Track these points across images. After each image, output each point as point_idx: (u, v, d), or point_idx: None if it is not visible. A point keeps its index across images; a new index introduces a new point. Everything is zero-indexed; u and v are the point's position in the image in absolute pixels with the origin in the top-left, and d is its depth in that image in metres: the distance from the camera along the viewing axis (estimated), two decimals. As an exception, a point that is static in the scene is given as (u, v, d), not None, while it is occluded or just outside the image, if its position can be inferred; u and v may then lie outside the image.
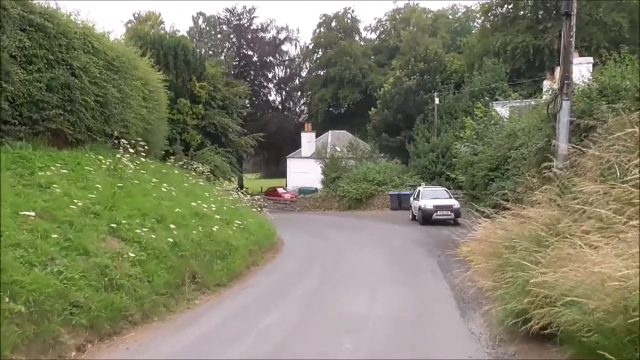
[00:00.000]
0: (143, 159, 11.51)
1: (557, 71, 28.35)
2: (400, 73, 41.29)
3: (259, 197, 39.81)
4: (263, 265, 11.69)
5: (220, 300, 8.07)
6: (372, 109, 43.86)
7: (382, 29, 65.72)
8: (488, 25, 42.15)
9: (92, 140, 11.41)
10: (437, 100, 36.76)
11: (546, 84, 26.66)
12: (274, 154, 59.39)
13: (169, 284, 7.36)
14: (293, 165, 47.47)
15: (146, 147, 13.38)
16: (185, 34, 58.67)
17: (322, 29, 61.35)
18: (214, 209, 10.67)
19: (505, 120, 15.44)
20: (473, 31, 52.68)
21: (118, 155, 9.97)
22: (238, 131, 27.61)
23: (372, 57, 59.92)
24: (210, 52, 59.22)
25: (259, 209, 18.63)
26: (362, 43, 62.71)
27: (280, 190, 44.44)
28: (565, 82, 8.49)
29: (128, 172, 9.66)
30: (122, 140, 10.98)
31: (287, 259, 13.00)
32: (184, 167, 17.34)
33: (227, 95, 27.20)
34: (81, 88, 10.64)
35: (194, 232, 8.85)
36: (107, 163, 9.33)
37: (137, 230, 7.34)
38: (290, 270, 11.10)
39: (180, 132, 23.62)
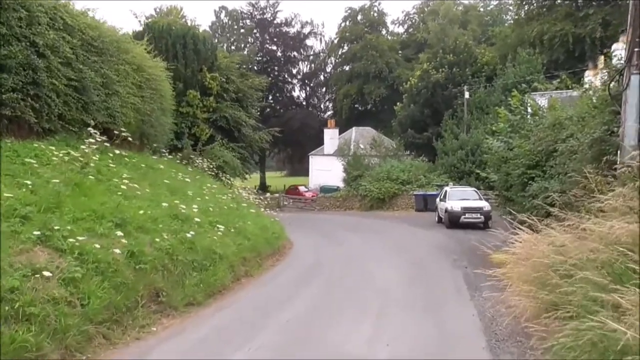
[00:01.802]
0: (118, 151, 10.01)
1: (601, 60, 25.81)
2: (428, 66, 39.00)
3: (277, 195, 38.69)
4: (258, 275, 10.05)
5: (186, 325, 6.45)
6: (398, 103, 41.77)
7: (410, 23, 63.40)
8: (523, 14, 39.50)
9: (65, 130, 9.99)
10: (467, 95, 34.51)
11: (588, 75, 24.33)
12: (298, 151, 58.02)
13: (116, 307, 5.79)
14: (315, 162, 46.02)
15: (131, 139, 12.02)
16: (208, 29, 57.83)
17: (347, 23, 59.47)
18: (195, 210, 9.07)
19: (545, 110, 13.34)
20: (506, 24, 49.71)
21: (83, 147, 8.47)
22: (252, 125, 26.03)
23: (400, 51, 57.67)
24: (233, 47, 58.14)
25: (266, 209, 17.09)
26: (389, 37, 60.50)
27: (301, 188, 43.12)
28: (635, 50, 6.50)
29: (90, 166, 8.16)
30: (90, 129, 9.50)
31: (289, 268, 11.33)
32: (185, 162, 15.93)
33: (242, 88, 25.65)
34: (49, 69, 9.22)
35: (158, 239, 7.24)
36: (60, 155, 7.84)
37: (72, 239, 5.74)
38: (287, 284, 9.42)
39: (190, 126, 22.21)
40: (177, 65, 21.50)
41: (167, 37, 21.96)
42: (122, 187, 8.05)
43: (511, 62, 33.36)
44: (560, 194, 7.56)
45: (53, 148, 8.14)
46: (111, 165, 9.01)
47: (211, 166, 17.27)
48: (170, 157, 13.89)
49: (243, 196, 15.78)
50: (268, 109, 59.62)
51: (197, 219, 8.75)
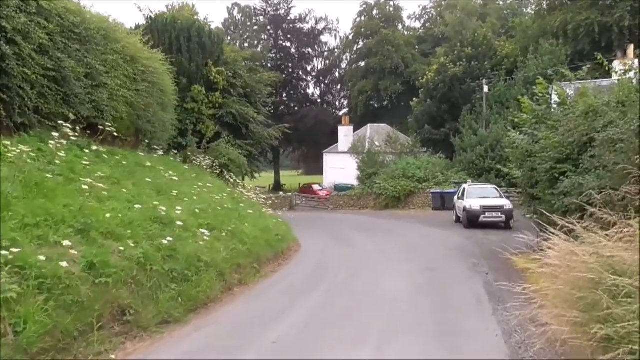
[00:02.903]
0: (96, 147, 9.11)
1: (631, 49, 24.12)
2: (446, 59, 37.55)
3: (290, 194, 37.76)
4: (254, 284, 9.05)
5: (154, 350, 5.47)
6: (414, 99, 40.44)
7: (427, 17, 61.85)
8: (545, 5, 37.77)
9: (43, 125, 9.12)
10: (486, 89, 33.03)
11: (616, 65, 22.71)
12: (313, 149, 56.91)
13: (65, 331, 4.83)
14: (330, 160, 44.97)
15: (123, 135, 11.20)
16: (221, 26, 57.16)
17: (362, 18, 58.25)
18: (179, 211, 8.08)
19: (573, 99, 12.02)
20: (526, 17, 47.88)
21: (52, 143, 7.55)
22: (262, 122, 25.09)
23: (416, 46, 56.18)
24: (246, 44, 57.38)
25: (274, 209, 16.11)
26: (405, 32, 59.03)
27: (315, 187, 42.25)
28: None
29: (55, 164, 7.24)
30: (60, 122, 8.60)
31: (290, 275, 10.31)
32: (184, 160, 15.05)
33: (250, 83, 24.71)
34: (20, 57, 8.35)
35: (128, 246, 6.25)
36: (17, 151, 6.91)
37: (9, 250, 4.78)
38: (284, 295, 8.38)
39: (195, 123, 21.35)
40: (182, 60, 20.71)
41: (171, 30, 21.16)
42: (97, 186, 7.08)
43: (533, 54, 31.77)
44: (600, 191, 6.38)
45: (9, 143, 7.22)
46: (85, 162, 8.07)
47: (213, 164, 16.36)
48: (161, 154, 12.96)
49: (245, 195, 14.78)
50: (282, 107, 58.74)
51: (179, 222, 7.75)
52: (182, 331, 6.14)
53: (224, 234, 9.07)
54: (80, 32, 10.07)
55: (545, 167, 9.86)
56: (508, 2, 57.43)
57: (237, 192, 14.59)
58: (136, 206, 7.29)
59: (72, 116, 9.27)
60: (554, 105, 12.87)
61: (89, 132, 10.06)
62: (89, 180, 6.95)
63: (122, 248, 6.08)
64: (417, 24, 62.39)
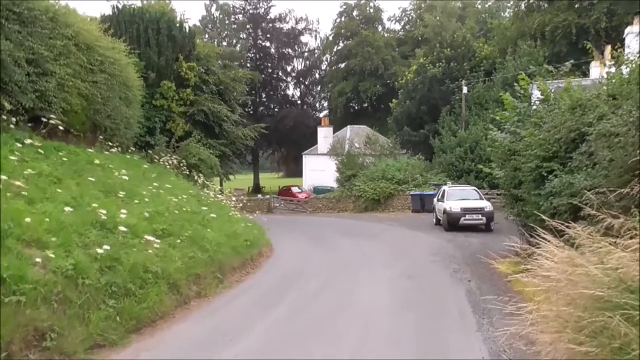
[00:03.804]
0: (34, 141, 8.08)
1: (608, 50, 24.02)
2: (425, 60, 37.14)
3: (268, 196, 36.77)
4: (214, 296, 8.12)
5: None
6: (394, 100, 39.94)
7: (406, 19, 61.57)
8: (523, 7, 37.71)
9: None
10: (465, 90, 32.71)
11: (594, 66, 22.45)
12: (293, 150, 56.00)
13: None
14: (309, 162, 44.22)
15: (75, 131, 10.18)
16: (198, 23, 55.83)
17: (342, 19, 57.66)
18: (124, 215, 7.12)
19: (557, 95, 11.45)
20: (505, 20, 47.90)
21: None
22: (236, 121, 24.09)
23: (396, 48, 55.81)
24: (224, 43, 56.19)
25: (246, 212, 15.18)
26: (385, 34, 58.65)
27: (294, 189, 41.32)
28: None
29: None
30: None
31: (258, 285, 9.40)
32: (148, 159, 14.02)
33: (224, 80, 23.72)
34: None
35: (38, 259, 5.26)
36: None
37: None
38: (246, 309, 7.49)
39: (164, 121, 20.28)
40: (150, 53, 19.66)
41: (138, 22, 20.04)
42: (14, 185, 6.09)
43: (511, 55, 31.57)
44: (595, 192, 5.69)
45: None
46: (15, 157, 7.04)
47: (180, 164, 15.37)
48: (114, 151, 11.91)
49: (213, 197, 13.81)
50: (261, 107, 57.71)
51: (123, 228, 6.79)
52: (118, 357, 5.21)
53: (179, 241, 8.13)
54: (21, 11, 9.04)
55: (530, 166, 9.20)
56: (487, 5, 57.62)
57: (203, 193, 13.59)
58: (66, 209, 6.30)
59: (8, 105, 8.23)
60: (536, 102, 12.33)
61: (30, 124, 9.03)
62: (3, 177, 5.94)
63: (38, 259, 5.11)
64: (397, 26, 62.18)
